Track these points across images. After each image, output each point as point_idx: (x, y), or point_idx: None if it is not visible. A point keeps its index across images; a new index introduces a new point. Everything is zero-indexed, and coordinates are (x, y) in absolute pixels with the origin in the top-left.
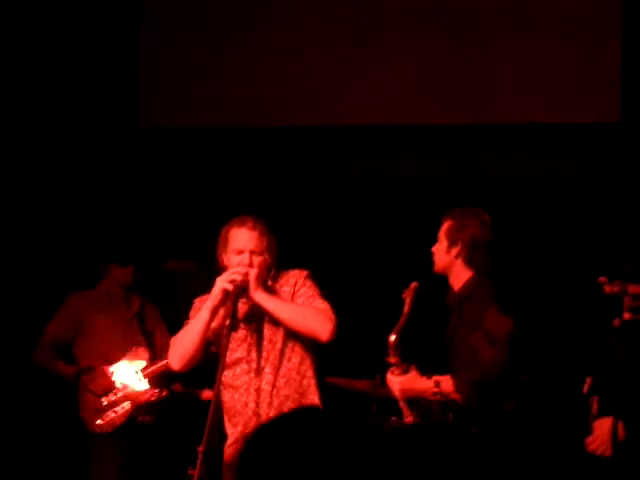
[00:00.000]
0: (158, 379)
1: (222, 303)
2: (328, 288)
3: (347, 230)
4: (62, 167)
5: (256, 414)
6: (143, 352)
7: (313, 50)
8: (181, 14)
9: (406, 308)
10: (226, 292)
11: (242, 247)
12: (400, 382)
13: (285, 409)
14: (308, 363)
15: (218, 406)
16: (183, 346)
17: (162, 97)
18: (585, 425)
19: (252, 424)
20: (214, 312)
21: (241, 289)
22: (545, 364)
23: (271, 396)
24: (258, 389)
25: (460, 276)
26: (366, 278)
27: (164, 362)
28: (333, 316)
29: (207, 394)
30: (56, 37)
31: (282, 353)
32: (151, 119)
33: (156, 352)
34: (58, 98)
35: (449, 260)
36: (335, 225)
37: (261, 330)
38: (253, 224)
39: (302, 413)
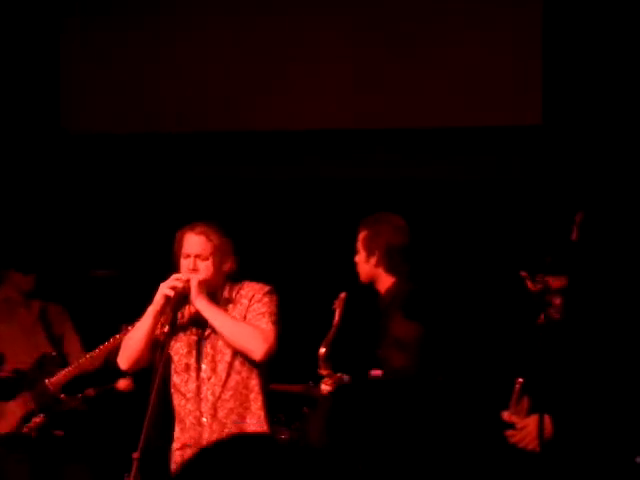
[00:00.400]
0: (69, 386)
1: (164, 308)
2: None
3: (280, 236)
4: None
5: (199, 424)
6: (50, 359)
7: (237, 53)
8: (103, 17)
9: (336, 319)
10: (168, 298)
11: (188, 251)
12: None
13: (228, 422)
14: (256, 378)
15: (156, 411)
16: (129, 348)
17: (85, 102)
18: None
19: (195, 433)
20: (157, 317)
21: (182, 295)
22: (472, 365)
23: (215, 408)
24: (203, 399)
25: (385, 283)
26: (298, 285)
27: (73, 368)
28: (272, 339)
29: (122, 383)
30: None
31: (230, 365)
32: (74, 125)
33: (66, 356)
34: None
35: (370, 269)
36: (266, 230)
37: (211, 339)
38: (200, 229)
39: (239, 441)
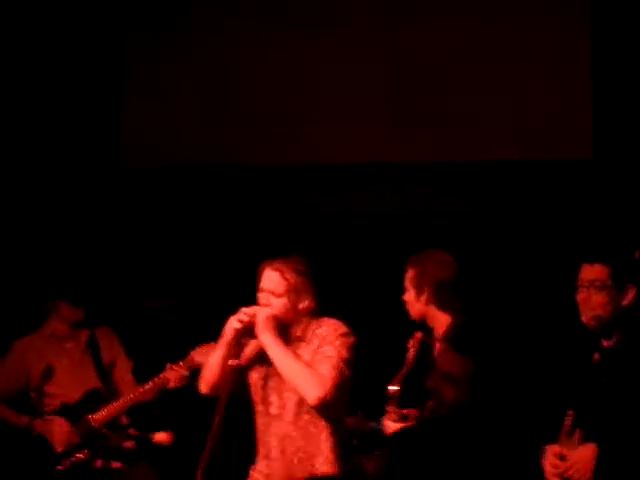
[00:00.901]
0: (115, 422)
1: (234, 341)
2: None
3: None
4: (40, 206)
5: (267, 458)
6: (97, 394)
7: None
8: (162, 52)
9: (410, 358)
10: (236, 330)
11: (262, 286)
12: (398, 429)
13: (295, 459)
14: (327, 418)
15: (219, 442)
16: (206, 375)
17: (144, 137)
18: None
19: (262, 467)
20: (227, 348)
21: (250, 329)
22: (524, 399)
23: (283, 445)
24: (272, 434)
25: (439, 321)
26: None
27: (117, 405)
28: (329, 386)
29: (161, 436)
30: (37, 77)
31: (299, 404)
32: (131, 158)
33: (116, 384)
34: (38, 136)
35: (421, 307)
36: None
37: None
38: (277, 265)
39: None
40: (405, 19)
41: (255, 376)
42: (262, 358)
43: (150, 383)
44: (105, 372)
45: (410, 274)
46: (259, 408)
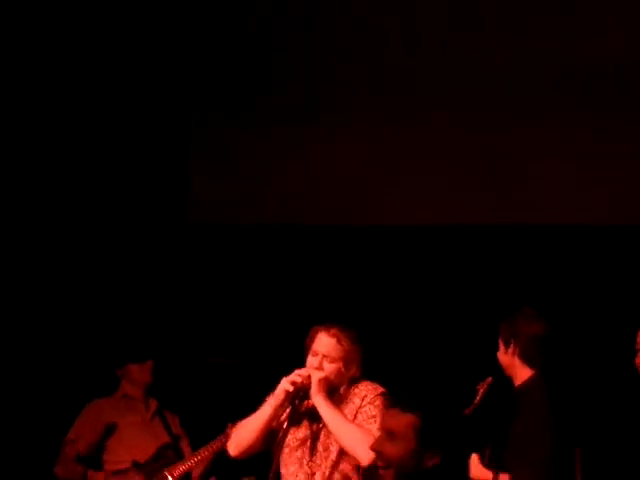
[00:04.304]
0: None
1: (284, 402)
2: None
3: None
4: (105, 260)
5: None
6: (169, 449)
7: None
8: (230, 110)
9: (477, 399)
10: (287, 392)
11: (317, 350)
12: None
13: None
14: (359, 476)
15: None
16: (242, 435)
17: (211, 193)
18: None
19: None
20: (276, 410)
21: (302, 391)
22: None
23: None
24: None
25: (520, 373)
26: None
27: (194, 458)
28: None
29: None
30: (106, 131)
31: (334, 464)
32: (198, 214)
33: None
34: (106, 190)
35: (509, 360)
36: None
37: (319, 436)
38: (334, 332)
39: None
40: None
41: (289, 438)
42: (303, 420)
43: (218, 440)
44: (174, 438)
45: (502, 329)
46: (293, 468)
